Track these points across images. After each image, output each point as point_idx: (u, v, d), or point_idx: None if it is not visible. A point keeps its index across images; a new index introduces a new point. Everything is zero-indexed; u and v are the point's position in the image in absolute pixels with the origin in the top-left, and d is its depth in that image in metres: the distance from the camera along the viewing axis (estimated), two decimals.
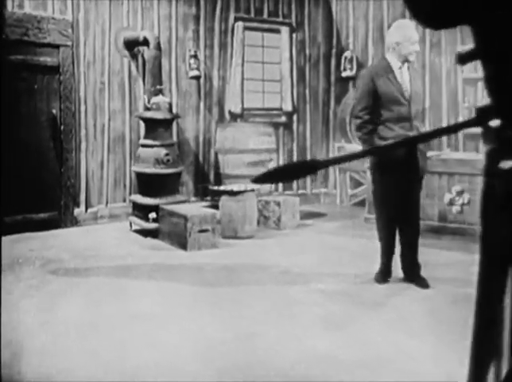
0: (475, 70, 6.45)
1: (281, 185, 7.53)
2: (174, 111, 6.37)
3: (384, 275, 4.20)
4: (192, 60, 6.81)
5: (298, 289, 4.11)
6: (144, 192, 5.75)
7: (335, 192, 7.72)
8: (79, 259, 4.78)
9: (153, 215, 5.49)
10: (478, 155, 5.60)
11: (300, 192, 7.80)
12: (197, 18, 7.04)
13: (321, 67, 7.92)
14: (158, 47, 6.02)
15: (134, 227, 5.82)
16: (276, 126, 7.19)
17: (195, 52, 6.88)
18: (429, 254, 4.25)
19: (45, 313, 3.52)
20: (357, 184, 7.56)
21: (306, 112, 7.85)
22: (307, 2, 7.79)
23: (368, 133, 4.01)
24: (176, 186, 5.87)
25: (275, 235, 5.81)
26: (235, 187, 5.70)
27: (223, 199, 5.63)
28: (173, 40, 6.89)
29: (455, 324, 3.35)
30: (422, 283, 4.07)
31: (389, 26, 7.42)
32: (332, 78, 7.90)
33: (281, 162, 7.44)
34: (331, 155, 7.85)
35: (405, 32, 3.97)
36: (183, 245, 5.07)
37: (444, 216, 5.52)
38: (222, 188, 5.78)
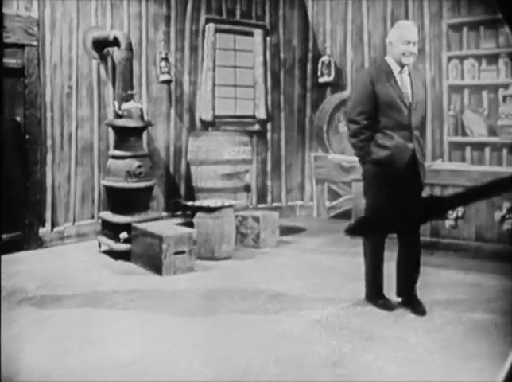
0: (461, 77, 6.14)
1: (254, 197, 7.02)
2: (145, 118, 5.80)
3: (369, 298, 3.85)
4: (163, 64, 6.30)
5: (290, 319, 3.60)
6: (114, 208, 5.20)
7: (312, 205, 7.27)
8: (46, 289, 4.17)
9: (124, 235, 4.96)
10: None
11: (275, 204, 7.33)
12: (168, 19, 6.52)
13: (297, 72, 7.50)
14: (129, 47, 5.47)
15: (104, 247, 5.23)
16: (249, 134, 6.69)
17: (166, 54, 6.36)
18: (424, 273, 3.84)
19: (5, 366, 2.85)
20: (335, 195, 7.15)
21: (281, 120, 7.40)
22: (281, 4, 7.36)
23: (365, 140, 3.65)
24: (148, 202, 5.32)
25: (254, 254, 5.28)
26: (212, 203, 5.16)
27: (199, 216, 5.08)
28: (144, 42, 6.35)
29: (476, 359, 2.93)
30: (419, 309, 3.70)
31: (368, 30, 7.30)
32: (308, 84, 7.48)
33: (254, 173, 6.94)
34: (306, 165, 7.41)
35: (399, 30, 3.62)
36: (157, 269, 4.54)
37: (436, 230, 5.14)
38: (197, 203, 5.21)
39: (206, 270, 4.74)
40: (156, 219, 5.19)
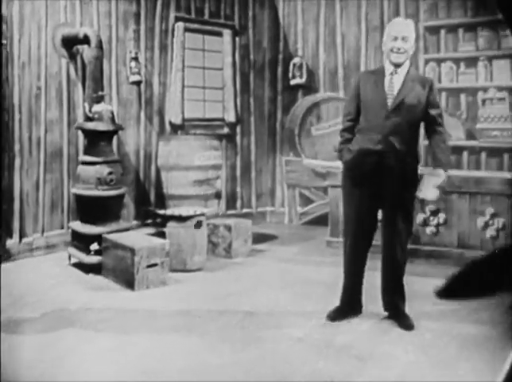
0: (439, 80, 6.02)
1: (224, 203, 6.72)
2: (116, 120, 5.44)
3: (343, 312, 3.61)
4: (133, 63, 5.95)
5: (271, 338, 3.32)
6: (84, 218, 4.85)
7: (283, 211, 7.02)
8: (13, 309, 3.76)
9: (95, 246, 4.62)
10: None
11: (245, 211, 7.05)
12: (137, 16, 6.17)
13: (267, 74, 7.24)
14: (100, 45, 5.13)
15: (74, 260, 4.86)
16: (218, 138, 6.39)
17: (136, 54, 6.02)
18: (406, 282, 3.63)
19: None
20: (307, 201, 6.92)
21: (250, 123, 7.13)
22: (251, 4, 7.10)
23: (343, 142, 3.49)
24: (119, 211, 4.97)
25: (227, 265, 4.97)
26: (183, 211, 4.83)
27: (171, 225, 4.76)
28: (113, 40, 5.98)
29: (472, 376, 2.73)
30: (406, 323, 3.49)
31: (342, 32, 7.13)
32: (279, 86, 7.24)
33: (224, 179, 6.66)
34: (277, 170, 7.17)
35: (387, 28, 3.43)
36: (130, 283, 4.23)
37: (416, 237, 4.93)
38: (169, 212, 4.88)
39: (179, 283, 4.42)
40: (127, 229, 4.86)
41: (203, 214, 4.83)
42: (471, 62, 5.82)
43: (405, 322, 3.49)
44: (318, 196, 6.84)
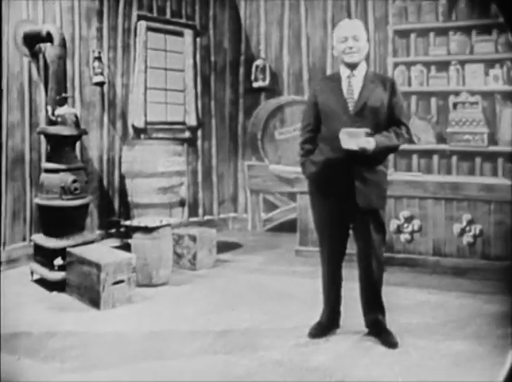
0: (409, 83, 5.90)
1: (186, 209, 6.37)
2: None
3: (324, 327, 3.39)
4: (96, 63, 5.55)
5: (246, 361, 3.02)
6: (48, 230, 4.49)
7: (246, 217, 6.75)
8: None
9: (58, 261, 4.27)
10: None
11: (207, 218, 6.73)
12: (100, 14, 5.78)
13: (228, 76, 6.96)
14: (63, 44, 4.77)
15: (36, 276, 4.45)
16: (180, 142, 6.05)
17: (100, 53, 5.62)
18: (383, 293, 3.40)
19: None
20: (271, 207, 6.66)
21: (212, 127, 6.83)
22: (212, 3, 6.81)
23: (304, 154, 3.29)
24: (84, 221, 4.65)
25: (193, 278, 4.64)
26: (149, 221, 4.50)
27: (136, 237, 4.41)
28: (76, 39, 5.57)
29: None
30: (389, 340, 3.25)
31: (307, 34, 6.95)
32: (241, 89, 6.98)
33: (186, 185, 6.33)
34: (239, 175, 6.89)
35: (335, 31, 3.24)
36: (95, 302, 3.91)
37: (390, 245, 4.75)
38: (135, 223, 4.53)
39: (145, 300, 4.08)
40: (92, 241, 4.53)
41: (168, 224, 4.50)
42: (443, 66, 5.75)
43: (388, 340, 3.26)
44: (283, 201, 6.61)
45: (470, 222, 4.56)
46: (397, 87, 3.25)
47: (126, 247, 4.57)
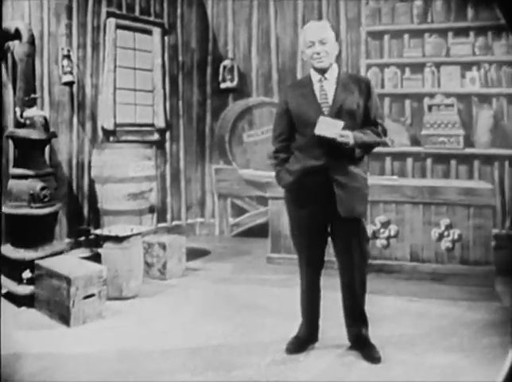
0: (382, 85, 5.79)
1: (155, 215, 6.08)
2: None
3: (302, 342, 3.20)
4: (65, 62, 5.23)
5: None
6: (16, 241, 4.19)
7: (214, 222, 6.51)
8: None
9: (27, 274, 3.99)
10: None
11: (175, 223, 6.46)
12: (69, 10, 5.45)
13: (195, 76, 6.72)
14: (32, 41, 4.45)
15: (4, 290, 4.12)
16: (149, 145, 5.78)
17: (69, 51, 5.30)
18: None
19: None
20: (239, 211, 6.46)
21: (179, 129, 6.56)
22: (180, 1, 6.56)
23: (279, 164, 3.11)
24: (53, 230, 4.38)
25: (163, 289, 4.39)
26: (120, 230, 4.23)
27: (107, 247, 4.15)
28: (45, 36, 5.23)
29: None
30: (372, 355, 3.09)
31: (277, 34, 6.79)
32: (208, 89, 6.75)
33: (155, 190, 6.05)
34: (207, 179, 6.66)
35: (301, 36, 3.09)
36: (65, 319, 3.66)
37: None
38: (105, 232, 4.26)
39: (116, 315, 3.81)
40: (61, 252, 4.26)
41: (139, 233, 4.25)
42: (417, 68, 5.66)
43: (371, 354, 3.09)
44: (251, 205, 6.41)
45: (448, 227, 4.45)
46: (373, 88, 3.10)
47: (96, 258, 4.34)
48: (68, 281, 3.63)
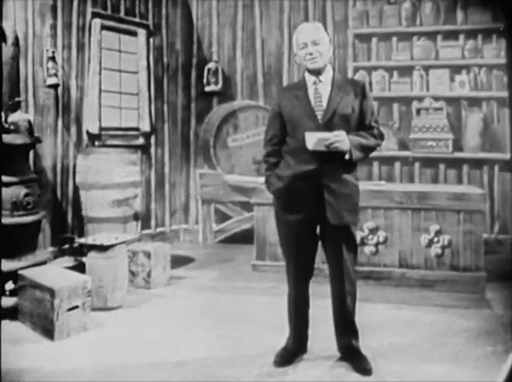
0: (370, 89, 5.71)
1: (139, 222, 5.94)
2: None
3: (290, 354, 3.07)
4: (50, 64, 5.06)
5: None
6: None
7: (198, 228, 6.37)
8: None
9: (10, 285, 3.85)
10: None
11: (159, 230, 6.32)
12: (54, 10, 5.28)
13: (180, 79, 6.58)
14: (17, 43, 4.40)
15: None
16: (134, 150, 5.63)
17: (54, 53, 5.13)
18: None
19: None
20: (223, 217, 6.33)
21: (164, 133, 6.42)
22: (164, 1, 6.43)
23: (268, 168, 3.02)
24: (37, 239, 4.24)
25: (148, 298, 4.24)
26: (105, 239, 4.08)
27: (91, 256, 3.99)
28: (30, 37, 5.05)
29: None
30: (362, 367, 2.97)
31: (262, 36, 6.68)
32: (193, 92, 6.62)
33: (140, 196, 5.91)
34: (191, 184, 6.52)
35: (294, 38, 2.97)
36: (49, 332, 3.50)
37: None
38: (90, 241, 4.10)
39: (100, 327, 3.66)
40: (45, 262, 4.12)
41: (124, 241, 4.12)
42: (406, 71, 5.63)
43: (361, 366, 2.98)
44: (235, 211, 6.29)
45: (438, 232, 4.37)
46: (368, 91, 2.98)
47: (81, 267, 4.18)
48: (52, 293, 3.47)
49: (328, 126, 2.82)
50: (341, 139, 2.77)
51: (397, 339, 3.39)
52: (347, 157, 2.82)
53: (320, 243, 3.01)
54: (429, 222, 4.36)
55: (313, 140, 2.76)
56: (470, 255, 4.29)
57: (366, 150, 2.92)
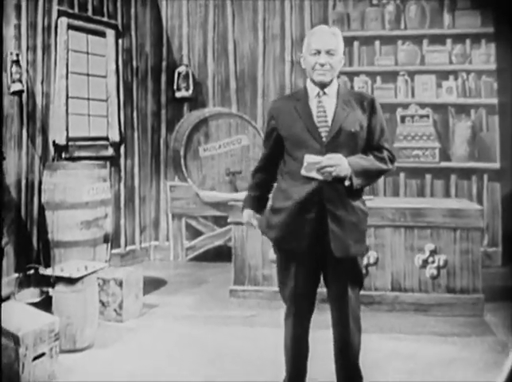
0: None
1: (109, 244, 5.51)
2: None
3: None
4: (14, 69, 4.62)
5: None
6: None
7: (168, 245, 6.01)
8: None
9: None
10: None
11: (129, 248, 5.90)
12: (19, 9, 4.82)
13: (150, 83, 6.19)
14: None
15: None
16: (103, 161, 5.20)
17: (18, 55, 4.68)
18: None
19: None
20: (195, 233, 5.99)
21: (134, 142, 6.02)
22: (133, 0, 6.02)
23: (252, 187, 2.78)
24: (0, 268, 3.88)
25: (120, 335, 3.82)
26: (73, 268, 3.65)
27: (58, 290, 3.55)
28: None
29: None
30: None
31: (235, 38, 6.33)
32: (163, 98, 6.25)
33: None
34: (162, 197, 6.12)
35: (306, 39, 2.62)
36: None
37: None
38: (57, 272, 3.65)
39: (68, 374, 3.23)
40: (7, 298, 3.74)
41: (95, 271, 3.69)
42: (390, 77, 5.41)
43: None
44: (206, 226, 5.97)
45: (433, 252, 4.10)
46: (378, 106, 2.62)
47: (47, 301, 3.75)
48: (16, 339, 3.03)
49: (333, 144, 2.47)
50: (336, 163, 2.43)
51: (400, 377, 3.12)
52: (346, 183, 2.48)
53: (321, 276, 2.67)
54: (424, 241, 4.08)
55: (303, 164, 2.42)
56: (467, 275, 4.04)
57: (371, 175, 2.58)
